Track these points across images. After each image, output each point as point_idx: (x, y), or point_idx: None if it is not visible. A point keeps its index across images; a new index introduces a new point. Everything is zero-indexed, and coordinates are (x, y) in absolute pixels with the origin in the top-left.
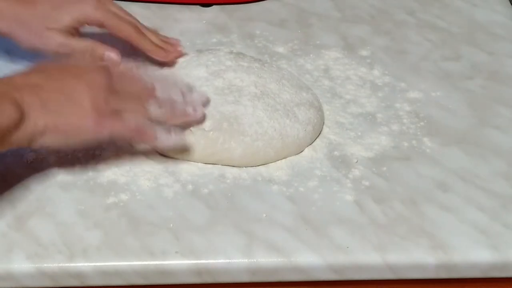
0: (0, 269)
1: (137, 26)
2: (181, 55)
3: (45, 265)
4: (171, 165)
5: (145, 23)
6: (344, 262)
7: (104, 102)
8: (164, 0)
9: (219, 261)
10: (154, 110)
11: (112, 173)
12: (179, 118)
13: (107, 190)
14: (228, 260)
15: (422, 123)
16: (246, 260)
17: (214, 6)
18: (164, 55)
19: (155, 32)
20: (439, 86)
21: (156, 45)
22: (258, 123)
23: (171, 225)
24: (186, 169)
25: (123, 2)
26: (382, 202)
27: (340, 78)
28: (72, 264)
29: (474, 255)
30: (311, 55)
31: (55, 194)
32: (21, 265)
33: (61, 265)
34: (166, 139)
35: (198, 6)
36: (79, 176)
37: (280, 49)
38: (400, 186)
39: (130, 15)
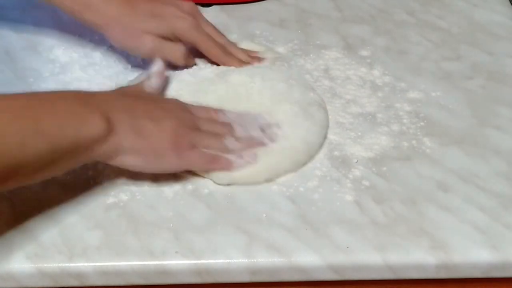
0: (0, 269)
1: (225, 47)
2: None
3: (45, 265)
4: None
5: None
6: (344, 262)
7: (186, 136)
8: None
9: (219, 261)
10: (231, 144)
11: (112, 173)
12: (254, 147)
13: (107, 190)
14: (228, 260)
15: (422, 123)
16: (246, 260)
17: (214, 6)
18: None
19: (242, 49)
20: (439, 86)
21: (243, 62)
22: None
23: (171, 225)
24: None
25: None
26: (382, 202)
27: (340, 78)
28: (72, 264)
29: (474, 255)
30: (311, 55)
31: (55, 194)
32: (21, 265)
33: (61, 265)
34: (241, 163)
35: (198, 6)
36: (79, 176)
37: (280, 49)
38: (400, 186)
39: (221, 35)
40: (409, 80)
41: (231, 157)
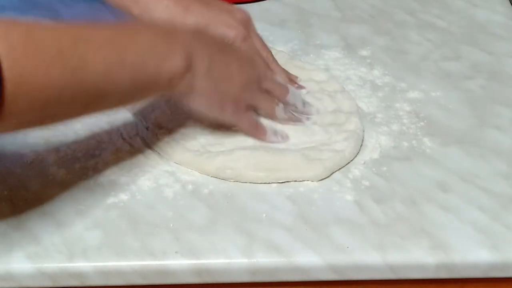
0: (0, 269)
1: (268, 63)
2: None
3: (45, 265)
4: (171, 165)
5: None
6: (344, 262)
7: (250, 93)
8: None
9: (219, 261)
10: (279, 112)
11: (112, 173)
12: (294, 123)
13: (107, 190)
14: (228, 260)
15: (422, 123)
16: (246, 260)
17: None
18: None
19: (282, 69)
20: (439, 86)
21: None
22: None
23: (171, 225)
24: (186, 169)
25: None
26: (382, 202)
27: (340, 78)
28: (72, 264)
29: (474, 255)
30: (311, 55)
31: (55, 194)
32: (21, 265)
33: (61, 265)
34: (273, 139)
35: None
36: (79, 176)
37: (280, 49)
38: (400, 186)
39: (267, 50)
40: (409, 80)
41: (269, 130)
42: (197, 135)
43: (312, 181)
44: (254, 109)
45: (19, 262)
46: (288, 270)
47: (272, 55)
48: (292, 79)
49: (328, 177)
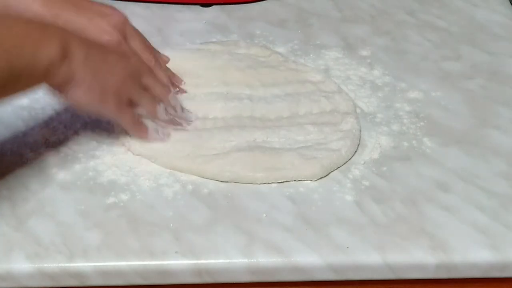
0: (0, 269)
1: (150, 67)
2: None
3: (45, 265)
4: None
5: (145, 23)
6: (344, 262)
7: (130, 87)
8: (164, 0)
9: (219, 261)
10: (160, 113)
11: (112, 173)
12: (175, 126)
13: (107, 190)
14: (228, 260)
15: (422, 123)
16: (246, 260)
17: (214, 6)
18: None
19: (165, 71)
20: (439, 86)
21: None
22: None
23: (171, 225)
24: None
25: (123, 2)
26: (382, 202)
27: (340, 78)
28: (72, 264)
29: (474, 255)
30: (311, 55)
31: (55, 194)
32: (21, 265)
33: (61, 265)
34: (156, 137)
35: (198, 6)
36: (79, 176)
37: (280, 49)
38: (400, 186)
39: (148, 50)
40: (409, 80)
41: (150, 127)
42: (183, 138)
43: (311, 180)
44: (135, 107)
45: (19, 262)
46: (288, 270)
47: (156, 57)
48: (174, 83)
49: (327, 176)
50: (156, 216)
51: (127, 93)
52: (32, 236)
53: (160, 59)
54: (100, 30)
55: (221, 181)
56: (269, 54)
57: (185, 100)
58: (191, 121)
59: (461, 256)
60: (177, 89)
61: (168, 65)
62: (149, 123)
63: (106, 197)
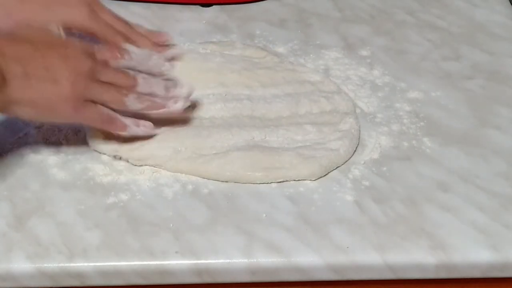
0: (0, 269)
1: (127, 35)
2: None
3: (45, 265)
4: None
5: (145, 23)
6: (344, 262)
7: (84, 88)
8: (164, 0)
9: (219, 261)
10: (131, 103)
11: (112, 173)
12: (157, 111)
13: (107, 190)
14: (228, 260)
15: (422, 123)
16: (246, 260)
17: (214, 6)
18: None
19: (146, 36)
20: (439, 86)
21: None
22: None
23: (171, 225)
24: None
25: (123, 2)
26: (382, 202)
27: (340, 78)
28: (72, 264)
29: (474, 255)
30: (311, 55)
31: (55, 194)
32: (21, 265)
33: (61, 265)
34: (136, 130)
35: (198, 6)
36: (79, 176)
37: (280, 49)
38: (400, 186)
39: (121, 22)
40: (409, 80)
41: (127, 121)
42: (182, 137)
43: (310, 179)
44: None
45: (19, 262)
46: (288, 270)
47: (130, 25)
48: (159, 43)
49: (326, 176)
50: (156, 216)
51: (82, 95)
52: (32, 236)
53: (135, 27)
54: (67, 6)
55: (221, 181)
56: (264, 56)
57: None
58: (182, 96)
59: (461, 256)
60: (164, 48)
61: None
62: (126, 119)
63: (106, 197)
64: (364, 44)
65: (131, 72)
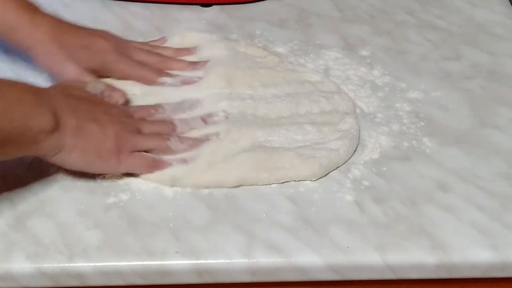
0: (0, 269)
1: (160, 68)
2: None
3: (45, 265)
4: None
5: (145, 23)
6: (344, 262)
7: (126, 140)
8: (164, 0)
9: (219, 261)
10: (175, 145)
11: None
12: (201, 143)
13: (107, 190)
14: (228, 260)
15: (422, 123)
16: (246, 260)
17: (214, 6)
18: None
19: (175, 55)
20: (439, 86)
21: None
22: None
23: (171, 225)
24: None
25: (123, 2)
26: (382, 202)
27: (340, 78)
28: (72, 264)
29: (474, 255)
30: (311, 55)
31: (55, 194)
32: (21, 265)
33: (61, 265)
34: (177, 163)
35: (198, 6)
36: (79, 176)
37: (280, 49)
38: (400, 186)
39: (153, 54)
40: (409, 80)
41: (172, 160)
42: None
43: (310, 180)
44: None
45: (19, 262)
46: (288, 270)
47: (160, 55)
48: (194, 66)
49: (327, 176)
50: (156, 216)
51: (126, 147)
52: (32, 236)
53: (164, 51)
54: (101, 50)
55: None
56: (265, 55)
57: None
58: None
59: (461, 256)
60: (197, 64)
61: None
62: (170, 159)
63: (106, 197)
64: (364, 44)
65: (167, 118)
